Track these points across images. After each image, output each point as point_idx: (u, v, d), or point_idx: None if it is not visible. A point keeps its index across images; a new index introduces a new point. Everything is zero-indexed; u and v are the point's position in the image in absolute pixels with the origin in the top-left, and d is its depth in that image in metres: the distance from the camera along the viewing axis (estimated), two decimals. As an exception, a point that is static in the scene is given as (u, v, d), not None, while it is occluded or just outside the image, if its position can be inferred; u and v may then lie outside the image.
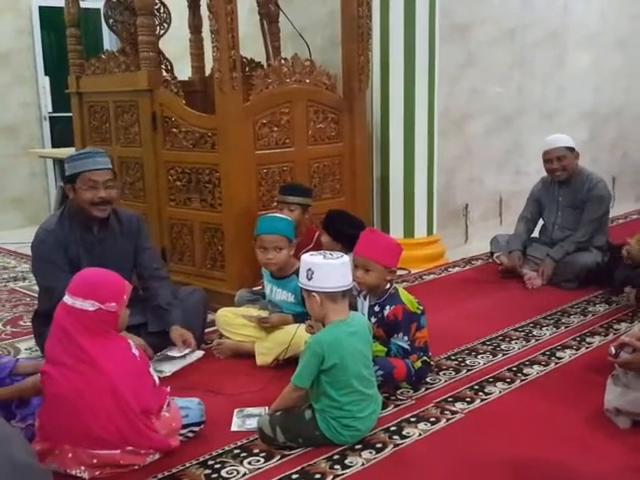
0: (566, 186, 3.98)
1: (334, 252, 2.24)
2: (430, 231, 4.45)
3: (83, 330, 1.99)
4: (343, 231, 3.15)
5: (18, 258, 4.89)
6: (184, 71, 4.63)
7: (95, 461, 1.97)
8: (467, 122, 4.93)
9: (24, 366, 2.31)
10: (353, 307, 2.75)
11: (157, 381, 2.15)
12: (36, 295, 3.86)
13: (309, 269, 2.15)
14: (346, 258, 2.21)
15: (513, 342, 3.02)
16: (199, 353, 2.90)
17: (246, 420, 2.27)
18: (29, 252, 4.91)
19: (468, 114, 4.92)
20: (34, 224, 5.65)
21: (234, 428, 2.24)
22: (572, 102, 5.72)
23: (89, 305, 1.99)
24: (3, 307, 3.72)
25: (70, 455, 1.97)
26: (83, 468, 1.97)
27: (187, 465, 2.05)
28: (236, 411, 2.34)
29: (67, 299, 2.02)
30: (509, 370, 2.71)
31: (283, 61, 3.66)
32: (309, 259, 2.18)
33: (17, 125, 5.95)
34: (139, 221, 2.97)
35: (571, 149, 3.90)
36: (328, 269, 2.14)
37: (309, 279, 2.15)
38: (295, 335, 2.68)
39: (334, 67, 3.94)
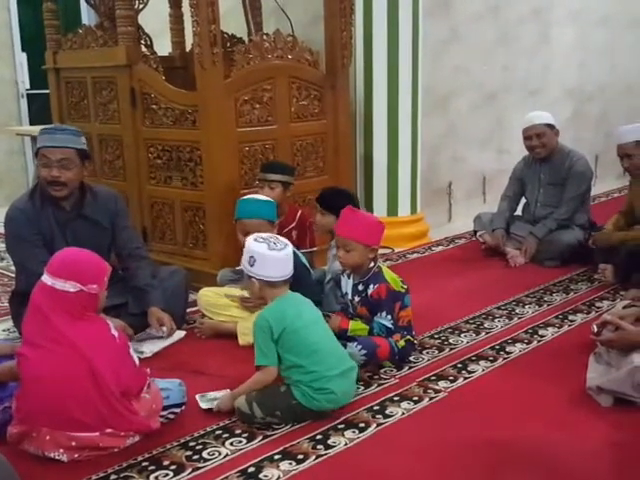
0: (547, 163, 3.97)
1: (279, 240, 2.23)
2: (414, 210, 4.44)
3: (61, 311, 1.95)
4: (337, 204, 3.06)
5: (-5, 238, 4.79)
6: (164, 47, 4.53)
7: (74, 443, 1.93)
8: (451, 100, 4.89)
9: (1, 347, 2.28)
10: (337, 284, 2.75)
11: (137, 362, 2.12)
12: (14, 275, 3.81)
13: (252, 256, 2.16)
14: (289, 249, 2.21)
15: (496, 320, 3.03)
16: (180, 333, 2.87)
17: (213, 403, 2.23)
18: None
19: (452, 92, 4.88)
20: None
21: (203, 405, 2.22)
22: (556, 80, 5.71)
23: (70, 286, 1.95)
24: (-21, 287, 3.66)
25: (48, 438, 1.93)
26: (62, 451, 1.94)
27: (168, 447, 2.03)
28: (198, 396, 2.27)
29: (46, 279, 1.97)
30: (492, 348, 2.71)
31: (265, 37, 3.59)
32: (254, 246, 2.18)
33: (-6, 102, 5.82)
34: (117, 199, 2.90)
35: (551, 126, 3.90)
36: (270, 260, 2.16)
37: (251, 265, 2.17)
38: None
39: (317, 43, 3.87)
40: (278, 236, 2.31)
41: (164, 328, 2.74)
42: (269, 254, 2.15)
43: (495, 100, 5.21)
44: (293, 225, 3.34)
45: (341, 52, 3.84)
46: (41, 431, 1.93)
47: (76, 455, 1.95)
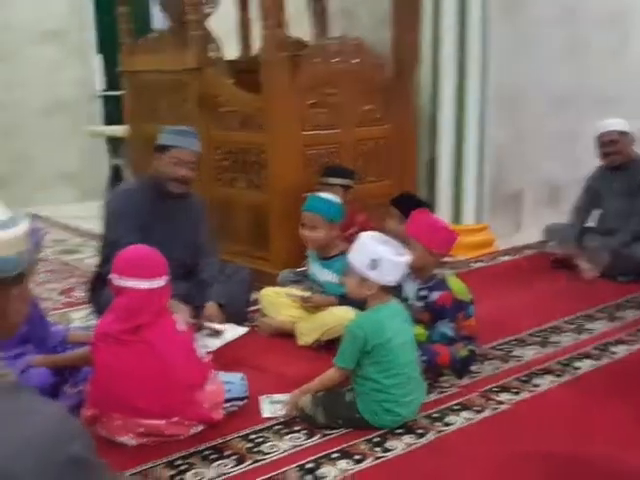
0: (621, 172, 3.82)
1: (397, 244, 2.12)
2: (479, 217, 4.34)
3: (134, 308, 2.00)
4: (411, 209, 2.99)
5: (71, 232, 5.00)
6: (232, 50, 4.62)
7: (141, 430, 2.01)
8: (522, 105, 4.76)
9: (76, 335, 2.42)
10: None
11: (201, 356, 2.16)
12: (88, 268, 3.96)
13: (374, 259, 2.02)
14: (409, 254, 2.12)
15: (564, 335, 2.91)
16: (243, 329, 2.90)
17: (277, 406, 2.23)
18: (82, 226, 5.08)
19: (524, 96, 4.75)
20: (87, 200, 5.88)
21: (266, 414, 2.20)
22: (634, 87, 5.47)
23: (162, 281, 2.02)
24: (57, 278, 3.82)
25: (118, 423, 2.01)
26: (130, 435, 2.02)
27: (229, 438, 2.07)
28: (262, 398, 2.28)
29: (116, 279, 2.02)
30: (559, 363, 2.61)
31: (331, 40, 3.60)
32: (379, 250, 2.04)
33: (71, 102, 6.05)
34: (203, 202, 3.08)
35: (626, 133, 3.75)
36: (395, 266, 2.05)
37: (372, 268, 2.04)
38: (337, 317, 2.66)
39: (383, 46, 3.85)
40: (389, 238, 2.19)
41: (214, 325, 2.78)
42: (396, 260, 2.04)
43: (569, 106, 5.04)
44: (354, 229, 3.32)
45: (408, 55, 3.81)
46: (112, 416, 2.02)
47: (143, 440, 2.02)
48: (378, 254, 2.04)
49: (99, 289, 2.80)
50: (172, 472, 1.88)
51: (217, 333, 2.80)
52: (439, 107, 4.16)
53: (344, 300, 2.72)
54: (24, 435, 0.91)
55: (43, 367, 2.12)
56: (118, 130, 4.87)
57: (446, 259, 2.61)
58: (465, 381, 2.46)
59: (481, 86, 4.15)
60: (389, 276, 2.06)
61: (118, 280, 2.02)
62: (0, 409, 0.94)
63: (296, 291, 2.99)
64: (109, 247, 2.80)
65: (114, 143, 5.07)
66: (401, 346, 2.10)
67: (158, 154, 2.82)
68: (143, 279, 2.00)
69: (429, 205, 3.06)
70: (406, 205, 2.91)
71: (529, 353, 2.72)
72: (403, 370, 2.09)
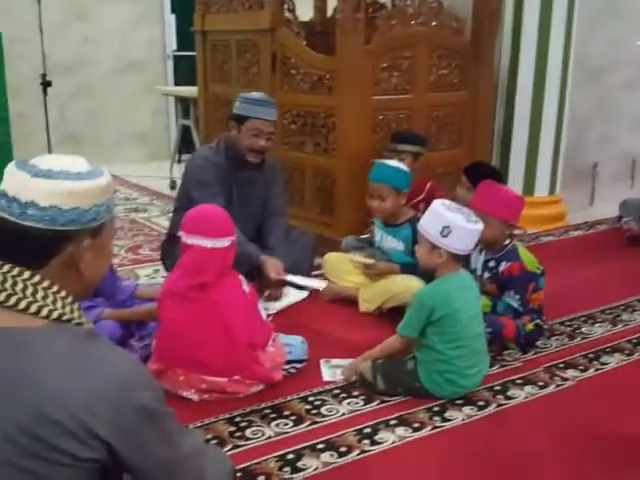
0: None
1: (471, 212, 2.09)
2: (552, 190, 4.19)
3: (214, 269, 2.03)
4: (484, 178, 2.90)
5: (140, 191, 5.13)
6: (306, 11, 4.56)
7: (204, 386, 2.06)
8: (604, 74, 4.54)
9: (144, 291, 2.49)
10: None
11: (264, 317, 2.19)
12: (155, 227, 4.07)
13: (447, 226, 2.00)
14: (481, 224, 2.07)
15: (636, 313, 2.81)
16: (322, 283, 2.89)
17: (336, 371, 2.25)
18: (151, 186, 5.20)
19: (606, 66, 4.53)
20: (155, 160, 6.01)
21: (326, 378, 2.22)
22: None
23: (225, 242, 2.04)
24: (125, 236, 3.93)
25: (182, 378, 2.07)
26: (193, 391, 2.07)
27: (288, 398, 2.10)
28: (322, 361, 2.30)
29: (184, 237, 2.06)
30: (629, 342, 2.53)
31: (409, 2, 3.50)
32: (450, 216, 2.01)
33: (142, 62, 6.14)
34: (277, 166, 3.08)
35: None
36: (466, 233, 2.02)
37: (443, 236, 2.01)
38: (401, 285, 2.64)
39: (463, 9, 3.72)
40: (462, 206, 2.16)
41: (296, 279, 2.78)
42: (468, 227, 2.01)
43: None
44: (422, 197, 3.27)
45: (488, 20, 3.67)
46: (176, 371, 2.07)
47: (205, 396, 2.08)
48: (450, 221, 2.01)
49: (171, 251, 2.84)
50: (232, 428, 1.93)
51: (300, 287, 2.84)
52: (518, 74, 4.00)
53: (407, 268, 2.71)
54: (102, 379, 0.96)
55: (112, 320, 2.20)
56: (189, 90, 4.92)
57: (516, 231, 2.52)
58: (529, 355, 2.41)
59: (564, 53, 3.97)
60: (460, 244, 2.03)
61: (185, 238, 2.06)
62: (82, 352, 0.98)
63: (359, 257, 2.98)
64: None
65: (184, 104, 5.13)
66: (469, 318, 2.07)
67: (235, 123, 2.81)
68: (208, 237, 2.03)
69: (501, 175, 2.96)
70: (477, 175, 2.83)
71: (598, 330, 2.64)
72: (469, 342, 2.07)
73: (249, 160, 2.82)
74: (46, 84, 4.98)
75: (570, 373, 2.28)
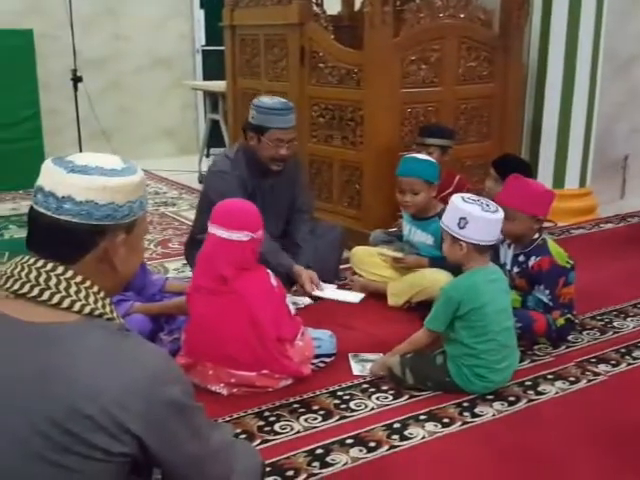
0: None
1: (490, 202, 2.09)
2: (583, 182, 4.14)
3: (228, 260, 2.04)
4: (513, 172, 2.87)
5: (169, 185, 5.19)
6: (333, 5, 4.55)
7: (233, 380, 2.08)
8: (635, 66, 4.45)
9: (173, 285, 2.51)
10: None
11: (292, 311, 2.21)
12: (184, 220, 4.12)
13: (463, 217, 2.02)
14: (501, 213, 2.07)
15: (669, 308, 2.78)
16: (358, 296, 2.83)
17: (365, 365, 2.25)
18: (180, 180, 5.25)
19: (637, 57, 4.43)
20: (184, 154, 6.07)
21: (356, 372, 2.23)
22: None
23: (242, 236, 2.04)
24: (154, 229, 3.98)
25: (211, 372, 2.09)
26: (222, 385, 2.09)
27: (317, 393, 2.11)
28: (351, 355, 2.31)
29: (219, 232, 2.05)
30: (662, 337, 2.50)
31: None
32: (465, 207, 2.03)
33: (172, 57, 6.19)
34: (298, 165, 3.04)
35: None
36: (484, 223, 2.02)
37: (461, 227, 2.03)
38: (429, 279, 2.64)
39: (491, 1, 3.69)
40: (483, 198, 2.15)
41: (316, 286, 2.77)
42: (483, 216, 2.01)
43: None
44: (450, 190, 3.24)
45: (517, 12, 3.63)
46: (205, 365, 2.10)
47: (234, 390, 2.09)
48: (466, 212, 2.02)
49: (191, 255, 2.81)
50: (261, 422, 1.94)
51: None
52: (547, 66, 3.96)
53: (435, 262, 2.70)
54: (133, 374, 0.97)
55: (141, 314, 2.22)
56: (217, 85, 4.95)
57: (546, 224, 2.50)
58: (560, 350, 2.39)
59: (594, 45, 3.91)
60: (479, 234, 2.03)
61: (209, 226, 2.08)
62: (113, 347, 1.00)
63: (387, 251, 2.99)
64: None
65: (213, 98, 5.16)
66: (497, 312, 2.06)
67: (254, 134, 2.73)
68: (223, 228, 2.03)
69: (530, 168, 2.92)
70: (506, 167, 2.81)
71: (629, 325, 2.61)
72: (497, 336, 2.06)
73: (272, 169, 2.78)
74: (77, 79, 5.04)
75: (602, 368, 2.27)
